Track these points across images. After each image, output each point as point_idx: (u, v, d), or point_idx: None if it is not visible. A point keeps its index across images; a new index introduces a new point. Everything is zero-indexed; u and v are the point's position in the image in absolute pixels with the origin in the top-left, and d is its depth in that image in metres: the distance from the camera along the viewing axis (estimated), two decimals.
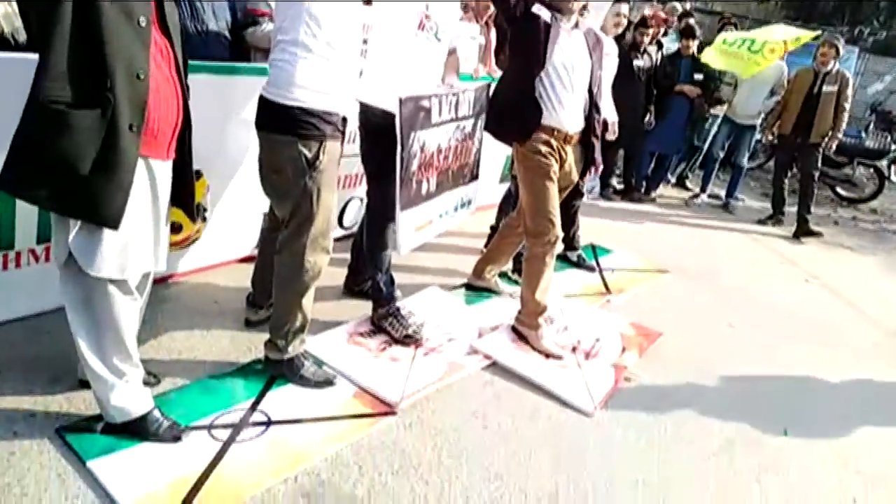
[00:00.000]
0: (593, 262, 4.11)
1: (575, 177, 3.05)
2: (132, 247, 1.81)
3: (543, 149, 2.82)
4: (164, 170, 1.88)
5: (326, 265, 2.35)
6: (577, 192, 3.72)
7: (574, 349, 2.98)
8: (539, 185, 2.85)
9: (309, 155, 2.16)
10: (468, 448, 2.24)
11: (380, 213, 2.74)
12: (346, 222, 3.69)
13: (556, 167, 2.86)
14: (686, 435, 2.53)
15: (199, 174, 2.69)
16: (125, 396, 1.95)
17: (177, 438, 2.01)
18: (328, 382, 2.42)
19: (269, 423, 2.19)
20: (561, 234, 2.92)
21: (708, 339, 3.39)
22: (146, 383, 2.08)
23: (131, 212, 1.74)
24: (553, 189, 2.87)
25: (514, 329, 3.01)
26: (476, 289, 3.45)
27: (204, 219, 2.91)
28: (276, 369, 2.41)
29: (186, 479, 1.89)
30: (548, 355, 2.88)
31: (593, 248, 4.39)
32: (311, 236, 2.25)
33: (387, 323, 2.84)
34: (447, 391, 2.54)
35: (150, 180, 1.82)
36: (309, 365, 2.43)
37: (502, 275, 3.55)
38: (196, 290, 3.02)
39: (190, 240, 2.91)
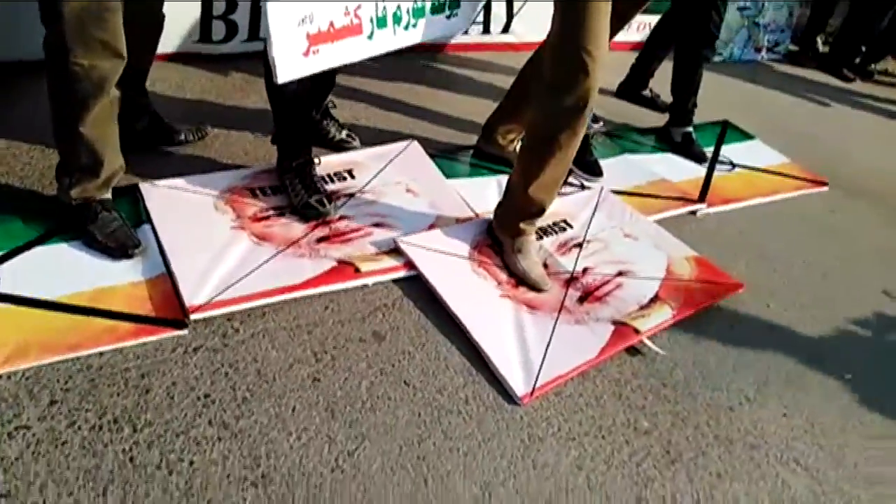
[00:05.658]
0: (708, 150, 2.69)
1: None
2: None
3: None
4: None
5: (116, 73, 1.47)
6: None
7: (572, 280, 1.84)
8: None
9: None
10: (261, 410, 1.35)
11: None
12: None
13: None
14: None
15: None
16: None
17: None
18: (122, 250, 1.59)
19: None
20: (596, 90, 1.65)
21: (826, 319, 2.00)
22: None
23: None
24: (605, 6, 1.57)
25: (489, 229, 1.93)
26: (486, 156, 2.33)
27: None
28: (64, 217, 1.64)
29: None
30: (519, 280, 1.79)
31: (725, 127, 2.93)
32: (69, 23, 1.36)
33: (288, 180, 1.91)
34: (295, 307, 1.60)
35: None
36: (108, 219, 1.61)
37: None
38: None
39: None
